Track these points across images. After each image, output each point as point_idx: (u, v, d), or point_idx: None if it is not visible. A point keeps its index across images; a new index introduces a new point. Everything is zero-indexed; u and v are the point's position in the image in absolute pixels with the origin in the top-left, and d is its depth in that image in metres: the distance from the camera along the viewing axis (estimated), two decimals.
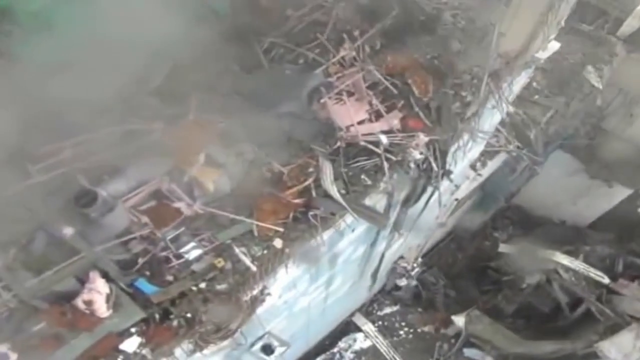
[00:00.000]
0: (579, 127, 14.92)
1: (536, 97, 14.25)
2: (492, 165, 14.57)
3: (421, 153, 9.03)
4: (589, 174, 16.27)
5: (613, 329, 14.45)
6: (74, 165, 7.51)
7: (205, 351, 7.65)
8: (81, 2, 8.01)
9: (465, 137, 10.13)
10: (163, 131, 7.97)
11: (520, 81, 10.32)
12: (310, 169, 8.57)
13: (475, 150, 12.59)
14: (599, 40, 14.14)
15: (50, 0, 7.26)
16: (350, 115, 8.77)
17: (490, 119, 11.04)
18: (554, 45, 10.02)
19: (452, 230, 18.60)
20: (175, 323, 7.21)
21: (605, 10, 14.22)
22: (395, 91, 9.00)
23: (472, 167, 13.84)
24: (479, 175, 13.91)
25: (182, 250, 7.76)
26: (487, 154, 13.78)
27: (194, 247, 7.90)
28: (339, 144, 8.53)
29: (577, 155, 16.09)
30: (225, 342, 7.89)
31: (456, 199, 14.37)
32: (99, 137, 7.75)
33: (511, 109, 11.27)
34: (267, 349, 9.70)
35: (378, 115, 9.07)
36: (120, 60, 8.33)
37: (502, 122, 12.02)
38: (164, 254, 7.57)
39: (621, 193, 16.38)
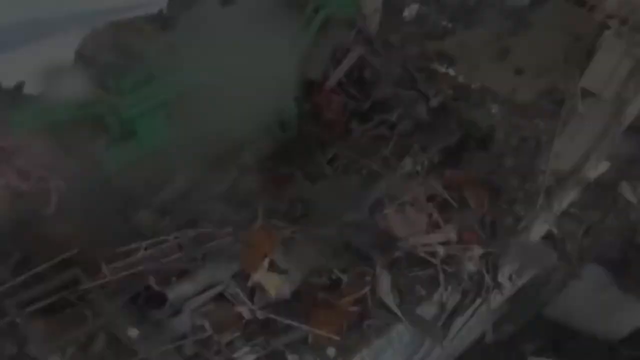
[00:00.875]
0: (614, 241, 14.89)
1: (572, 210, 14.39)
2: (527, 275, 14.44)
3: (475, 265, 9.10)
4: (622, 288, 16.01)
5: None
6: (144, 266, 7.65)
7: None
8: (162, 115, 8.43)
9: (514, 249, 10.20)
10: (232, 236, 8.13)
11: (569, 198, 10.50)
12: (368, 278, 8.60)
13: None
14: (633, 157, 14.44)
15: (139, 110, 7.61)
16: (409, 226, 8.83)
17: (537, 232, 11.13)
18: (604, 165, 10.25)
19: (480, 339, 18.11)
20: None
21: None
22: (453, 204, 9.29)
23: (510, 277, 13.72)
24: (515, 285, 13.77)
25: (235, 355, 7.63)
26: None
27: (246, 353, 7.77)
28: (397, 254, 8.68)
29: (610, 269, 15.91)
30: None
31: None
32: (171, 240, 7.93)
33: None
34: None
35: (436, 227, 9.17)
36: (191, 166, 8.66)
37: (545, 236, 12.08)
38: (217, 358, 7.48)
39: None
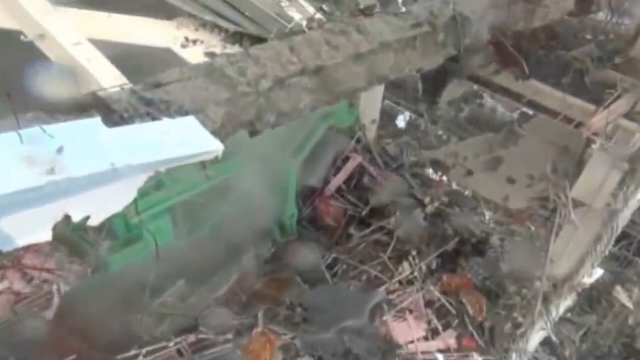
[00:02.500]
0: (612, 345, 14.66)
1: (569, 314, 14.27)
2: None
3: None
4: None
5: None
6: None
7: None
8: (167, 218, 8.60)
9: (514, 356, 10.06)
10: (232, 342, 8.01)
11: (566, 304, 10.48)
12: None
13: None
14: (626, 261, 14.54)
15: (146, 216, 7.76)
16: (409, 333, 8.80)
17: (535, 338, 11.00)
18: (599, 271, 10.33)
19: None
20: None
21: (629, 233, 14.85)
22: (451, 310, 9.26)
23: None
24: None
25: None
26: None
27: None
28: None
29: None
30: None
31: None
32: (171, 346, 7.80)
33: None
34: None
35: (435, 333, 9.11)
36: (191, 272, 8.68)
37: (544, 342, 11.92)
38: None
39: None
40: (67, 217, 2.51)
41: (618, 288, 13.87)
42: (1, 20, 3.31)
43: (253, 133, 3.57)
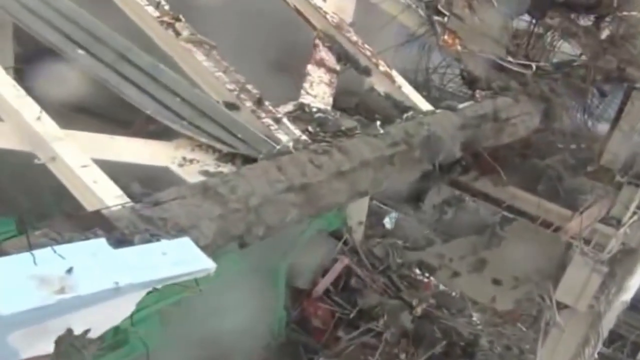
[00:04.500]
0: None
1: None
2: None
3: None
4: None
5: None
6: None
7: None
8: (155, 320, 8.68)
9: None
10: None
11: None
12: None
13: None
14: None
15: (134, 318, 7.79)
16: None
17: None
18: None
19: None
20: None
21: (622, 334, 14.89)
22: None
23: None
24: None
25: None
26: None
27: None
28: None
29: None
30: None
31: None
32: None
33: None
34: None
35: None
36: None
37: None
38: None
39: None
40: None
41: None
42: (18, 143, 3.72)
43: (242, 245, 3.89)
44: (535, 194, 8.02)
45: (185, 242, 2.99)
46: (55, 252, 2.69)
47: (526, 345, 9.59)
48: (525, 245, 9.01)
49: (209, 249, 3.66)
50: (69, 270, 2.54)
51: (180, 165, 4.10)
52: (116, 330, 7.69)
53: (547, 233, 8.31)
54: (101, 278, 2.49)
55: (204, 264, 2.85)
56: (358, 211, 9.78)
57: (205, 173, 4.09)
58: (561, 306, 8.43)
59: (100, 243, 2.74)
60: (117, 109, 4.97)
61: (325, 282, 9.50)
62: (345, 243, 9.93)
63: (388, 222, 11.82)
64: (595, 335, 8.53)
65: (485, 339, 9.79)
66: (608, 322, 8.85)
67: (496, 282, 9.63)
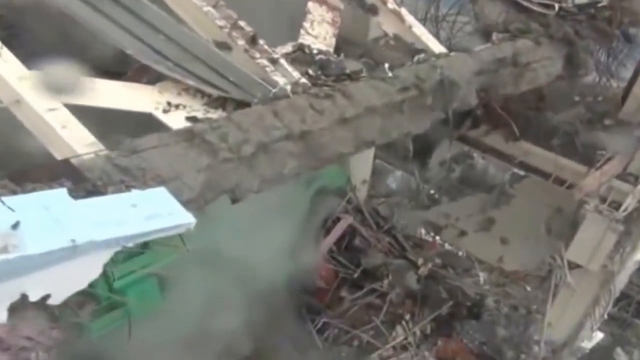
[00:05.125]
0: None
1: None
2: None
3: None
4: None
5: None
6: None
7: None
8: (153, 281, 8.29)
9: None
10: None
11: None
12: None
13: None
14: (626, 323, 14.19)
15: (130, 280, 7.45)
16: None
17: None
18: (599, 335, 10.03)
19: None
20: None
21: (628, 294, 14.56)
22: None
23: None
24: None
25: None
26: None
27: None
28: None
29: None
30: None
31: None
32: None
33: None
34: None
35: None
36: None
37: None
38: None
39: None
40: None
41: (618, 350, 13.47)
42: None
43: (234, 200, 3.42)
44: (549, 149, 7.50)
45: (161, 192, 2.50)
46: (3, 203, 2.23)
47: (534, 305, 9.22)
48: (536, 203, 8.54)
49: (194, 204, 3.18)
50: (15, 226, 2.06)
51: (165, 112, 3.59)
52: (111, 291, 7.35)
53: (560, 190, 7.82)
54: (54, 235, 2.02)
55: (182, 218, 2.37)
56: (362, 169, 9.28)
57: (193, 119, 3.58)
58: (572, 266, 8.01)
59: (58, 194, 2.25)
60: (107, 60, 4.46)
61: (328, 242, 9.08)
62: (349, 202, 9.50)
63: (393, 182, 11.37)
64: (606, 295, 8.11)
65: (492, 299, 9.44)
66: (620, 282, 8.42)
67: (504, 241, 9.18)
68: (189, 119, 3.57)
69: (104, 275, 6.84)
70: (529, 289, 10.08)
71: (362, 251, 9.26)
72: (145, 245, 7.18)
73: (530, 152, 7.54)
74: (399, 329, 8.36)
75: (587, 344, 9.10)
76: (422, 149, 8.61)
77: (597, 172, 7.31)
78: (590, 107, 7.60)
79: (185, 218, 2.38)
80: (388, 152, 10.75)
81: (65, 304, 7.27)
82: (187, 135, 3.22)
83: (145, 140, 3.05)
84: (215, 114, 3.61)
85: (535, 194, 8.45)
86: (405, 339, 8.21)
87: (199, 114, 3.63)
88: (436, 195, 10.01)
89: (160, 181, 3.00)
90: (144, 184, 2.92)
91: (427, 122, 4.51)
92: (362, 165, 9.30)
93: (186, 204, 3.03)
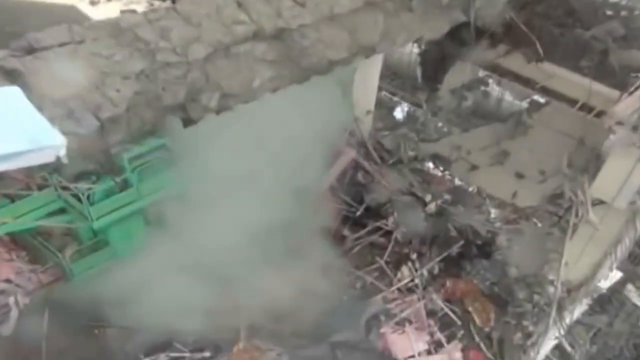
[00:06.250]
0: (623, 347, 13.60)
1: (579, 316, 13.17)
2: None
3: None
4: None
5: None
6: None
7: None
8: (137, 221, 7.57)
9: None
10: None
11: (581, 309, 9.42)
12: None
13: None
14: (638, 259, 13.43)
15: (111, 220, 6.71)
16: (409, 346, 7.73)
17: (546, 347, 9.95)
18: (616, 274, 9.27)
19: None
20: None
21: None
22: (456, 319, 8.18)
23: None
24: None
25: None
26: None
27: None
28: None
29: None
30: None
31: None
32: None
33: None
34: None
35: (438, 346, 8.04)
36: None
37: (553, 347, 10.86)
38: None
39: None
40: None
41: (629, 287, 12.80)
42: None
43: (186, 122, 2.50)
44: (576, 71, 6.46)
45: (14, 92, 1.60)
46: None
47: (549, 244, 8.40)
48: (557, 134, 7.55)
49: (122, 125, 2.28)
50: None
51: (93, 4, 2.65)
52: (94, 232, 6.52)
53: (586, 119, 6.80)
54: None
55: (45, 138, 1.48)
56: (366, 99, 8.24)
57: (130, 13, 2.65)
58: (595, 202, 7.14)
59: None
60: None
61: (329, 178, 8.21)
62: (352, 135, 8.55)
63: (399, 113, 10.36)
64: (631, 233, 7.24)
65: (504, 238, 8.62)
66: None
67: (519, 175, 8.22)
68: (125, 12, 2.63)
69: (83, 215, 5.95)
70: (539, 224, 9.27)
71: (365, 187, 8.39)
72: (125, 182, 6.32)
73: (555, 75, 6.49)
74: (404, 269, 7.59)
75: (604, 284, 8.36)
76: (432, 73, 7.56)
77: (630, 98, 6.28)
78: (626, 23, 6.48)
79: (50, 138, 1.47)
80: (394, 82, 9.74)
81: (46, 245, 6.32)
82: (113, 30, 2.25)
83: (47, 34, 2.11)
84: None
85: (556, 124, 7.43)
86: (412, 280, 7.46)
87: (140, 8, 2.68)
88: (444, 129, 9.02)
89: (64, 93, 2.08)
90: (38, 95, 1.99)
91: (443, 25, 3.49)
92: (365, 94, 8.24)
93: (110, 122, 2.14)
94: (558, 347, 11.60)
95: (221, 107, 2.61)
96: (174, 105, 2.44)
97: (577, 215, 7.34)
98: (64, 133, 2.28)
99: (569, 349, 9.17)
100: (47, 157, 1.62)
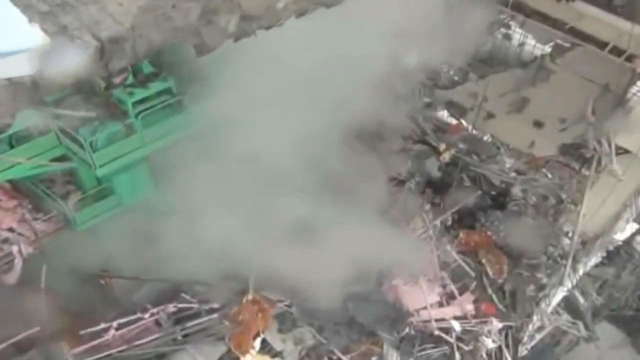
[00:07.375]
0: (628, 298, 13.53)
1: None
2: (537, 337, 13.02)
3: (494, 341, 7.78)
4: (635, 347, 14.58)
5: None
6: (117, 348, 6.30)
7: None
8: (143, 169, 7.23)
9: (535, 319, 8.91)
10: (218, 312, 6.79)
11: (594, 262, 9.23)
12: (374, 358, 7.27)
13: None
14: None
15: (115, 167, 6.37)
16: (421, 298, 7.56)
17: (557, 298, 9.83)
18: (633, 227, 9.03)
19: None
20: None
21: None
22: (469, 271, 7.97)
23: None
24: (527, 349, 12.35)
25: None
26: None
27: None
28: (407, 330, 7.37)
29: (622, 327, 14.49)
30: None
31: None
32: (147, 318, 6.59)
33: None
34: None
35: (450, 298, 7.88)
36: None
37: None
38: None
39: None
40: None
41: (638, 239, 12.63)
42: None
43: (200, 49, 2.13)
44: (609, 11, 5.99)
45: None
46: None
47: (565, 195, 8.11)
48: (581, 80, 7.10)
49: (125, 49, 1.92)
50: None
51: None
52: (98, 180, 6.20)
53: (612, 64, 6.34)
54: None
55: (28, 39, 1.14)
56: None
57: None
58: (619, 152, 6.80)
59: None
60: None
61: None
62: None
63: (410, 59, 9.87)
64: None
65: (519, 188, 8.32)
66: None
67: (538, 124, 7.77)
68: None
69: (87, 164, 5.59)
70: (549, 175, 8.96)
71: (377, 135, 8.06)
72: (129, 129, 5.98)
73: (586, 14, 6.02)
74: (417, 220, 7.34)
75: (621, 236, 8.13)
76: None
77: None
78: None
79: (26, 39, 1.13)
80: None
81: (50, 194, 5.97)
82: None
83: None
84: None
85: (581, 69, 6.96)
86: (425, 231, 7.22)
87: None
88: (455, 77, 8.53)
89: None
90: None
91: None
92: None
93: (109, 46, 1.78)
94: (564, 298, 11.54)
95: (240, 32, 2.25)
96: (185, 27, 2.08)
97: (599, 164, 7.04)
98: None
99: (581, 300, 9.05)
100: (22, 69, 1.27)
